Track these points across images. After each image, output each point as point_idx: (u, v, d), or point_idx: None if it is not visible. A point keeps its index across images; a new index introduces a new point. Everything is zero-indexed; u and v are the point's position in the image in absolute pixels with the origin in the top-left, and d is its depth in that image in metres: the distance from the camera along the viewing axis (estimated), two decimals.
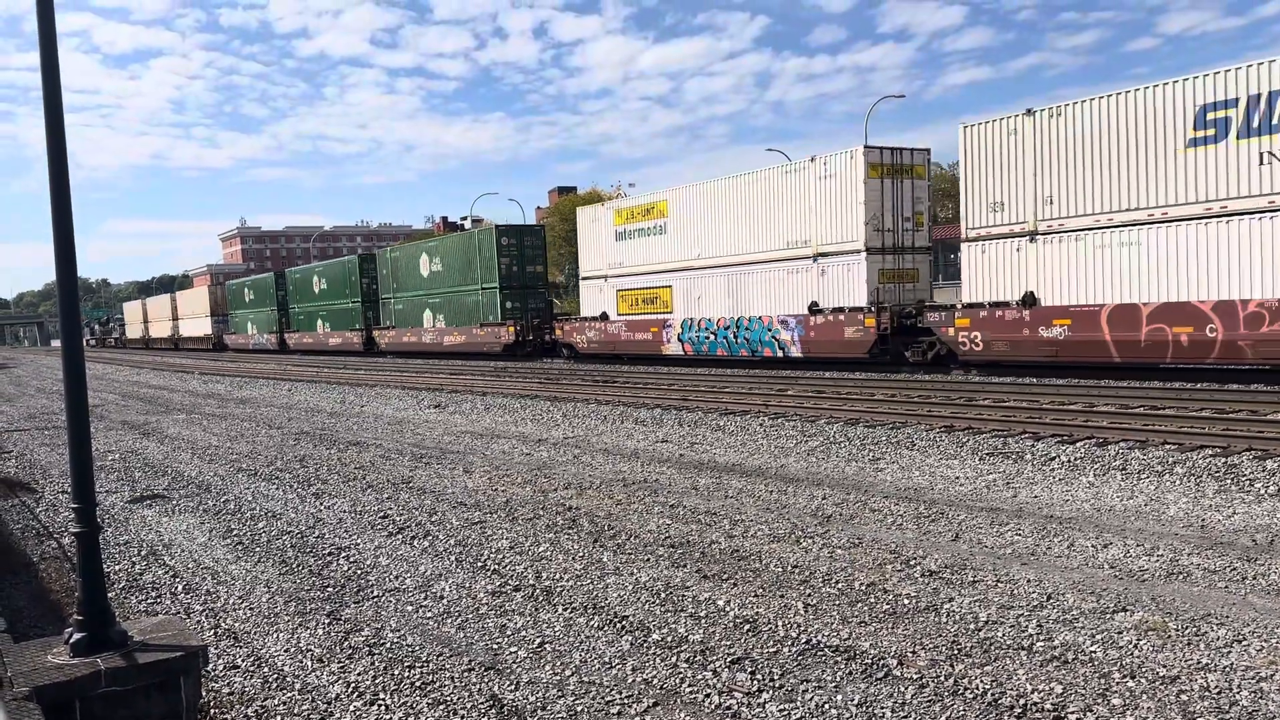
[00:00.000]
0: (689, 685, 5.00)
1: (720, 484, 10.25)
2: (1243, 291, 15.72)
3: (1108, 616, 5.65)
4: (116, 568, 8.00)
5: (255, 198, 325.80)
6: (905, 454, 11.67)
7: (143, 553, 8.54)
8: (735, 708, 4.70)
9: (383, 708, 4.94)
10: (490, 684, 5.16)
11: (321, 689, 5.24)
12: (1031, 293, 18.78)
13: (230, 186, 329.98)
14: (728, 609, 6.12)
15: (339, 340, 48.27)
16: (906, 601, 6.09)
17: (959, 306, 20.26)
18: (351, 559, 7.89)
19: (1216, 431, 11.40)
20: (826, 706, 4.66)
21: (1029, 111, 18.64)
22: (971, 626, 5.60)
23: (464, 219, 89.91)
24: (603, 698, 4.91)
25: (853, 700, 4.70)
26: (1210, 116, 15.95)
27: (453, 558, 7.76)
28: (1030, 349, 18.65)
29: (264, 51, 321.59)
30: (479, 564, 7.53)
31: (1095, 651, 5.13)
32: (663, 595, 6.49)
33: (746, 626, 5.80)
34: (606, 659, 5.43)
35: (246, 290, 61.39)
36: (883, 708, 4.61)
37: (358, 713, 4.91)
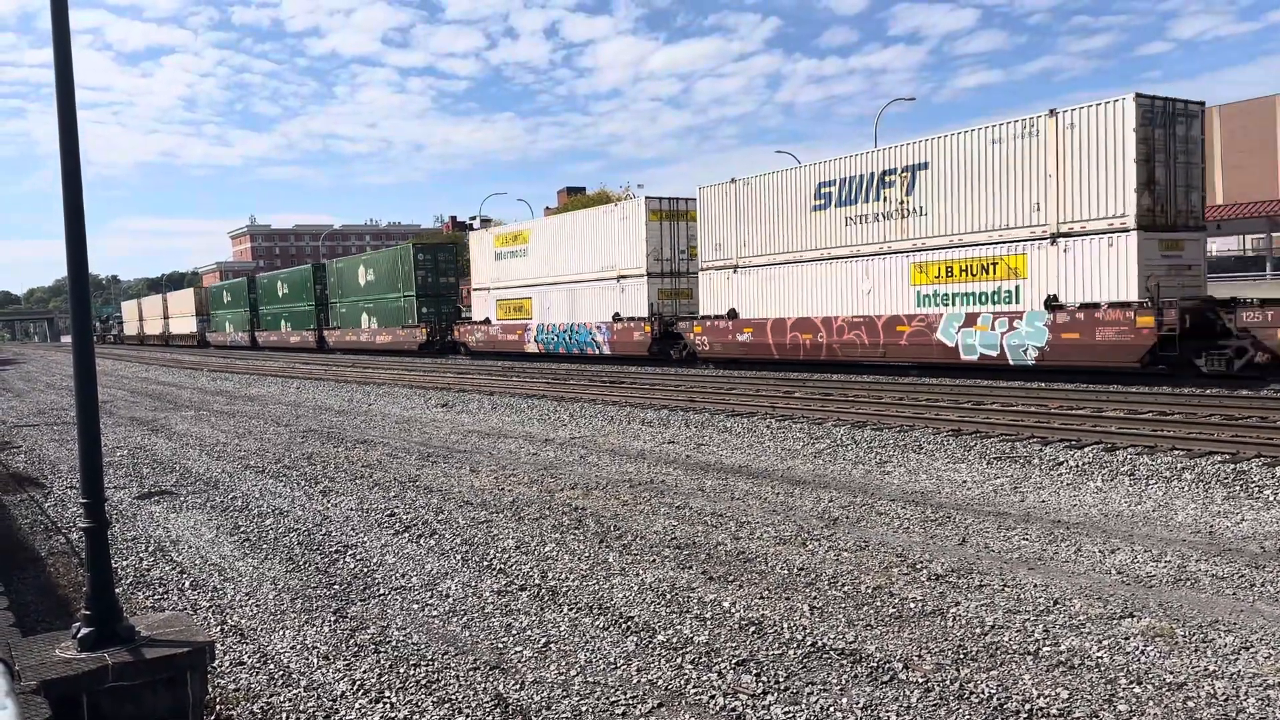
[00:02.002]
0: (694, 686, 5.00)
1: (727, 485, 10.25)
2: (835, 310, 23.29)
3: (1114, 622, 5.63)
4: (124, 563, 8.03)
5: (265, 196, 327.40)
6: (912, 457, 11.64)
7: (150, 549, 8.57)
8: (740, 709, 4.70)
9: (388, 705, 4.95)
10: (495, 683, 5.16)
11: (327, 686, 5.26)
12: (734, 309, 26.21)
13: (240, 184, 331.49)
14: (733, 610, 6.12)
15: (298, 339, 54.99)
16: (913, 605, 6.08)
17: (697, 318, 27.52)
18: (358, 557, 7.91)
19: (1225, 437, 11.35)
20: (831, 709, 4.65)
21: (733, 180, 26.10)
22: (978, 631, 5.59)
23: (472, 219, 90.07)
24: (607, 698, 4.91)
25: (858, 703, 4.69)
26: (823, 191, 23.46)
27: (459, 556, 7.77)
28: (733, 349, 26.07)
29: (275, 50, 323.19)
30: (485, 563, 7.54)
31: (1102, 657, 5.11)
32: (668, 596, 6.49)
33: (752, 628, 5.79)
34: (611, 659, 5.43)
35: (225, 293, 68.86)
36: (888, 711, 4.60)
37: (363, 710, 4.92)
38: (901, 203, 21.37)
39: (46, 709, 3.89)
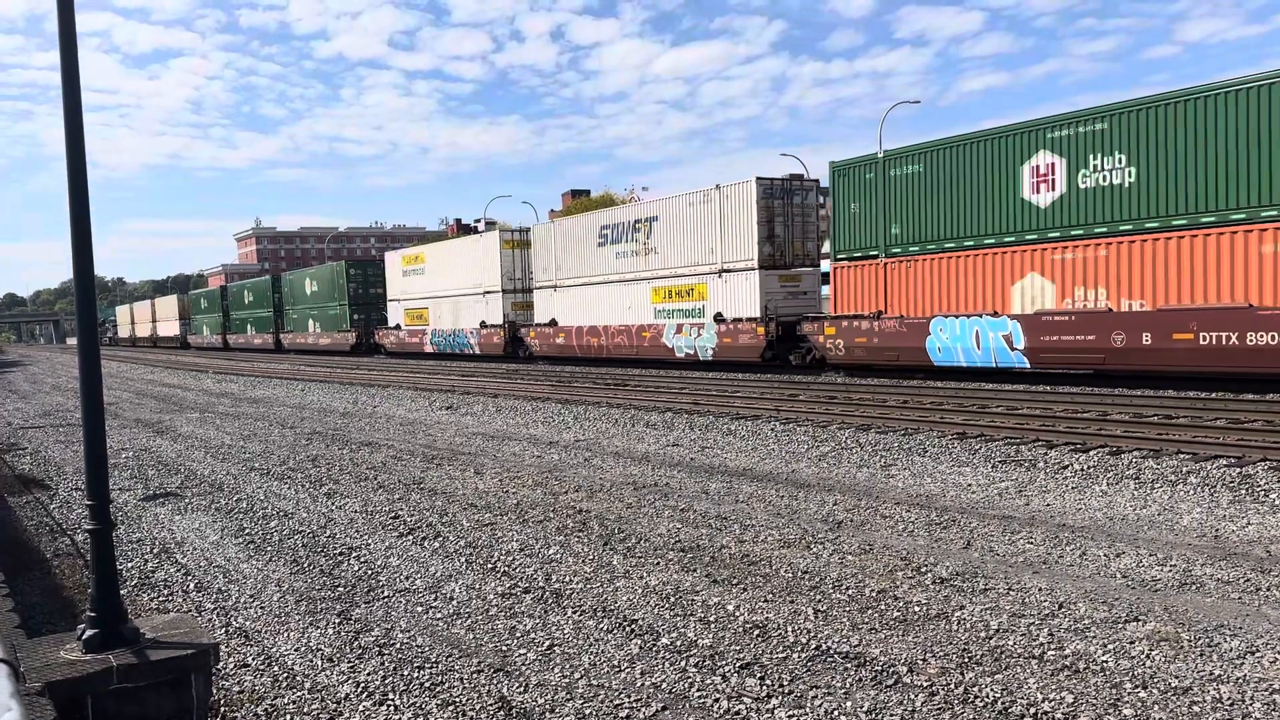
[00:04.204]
0: (698, 690, 5.00)
1: (731, 488, 10.24)
2: (610, 321, 31.54)
3: (1120, 626, 5.62)
4: (129, 565, 8.04)
5: (271, 198, 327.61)
6: (917, 460, 11.63)
7: (155, 550, 8.58)
8: (744, 713, 4.69)
9: (392, 708, 4.95)
10: (499, 686, 5.16)
11: (331, 688, 5.26)
12: (555, 319, 34.47)
13: (246, 187, 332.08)
14: (737, 614, 6.11)
15: (260, 340, 62.91)
16: (917, 609, 6.07)
17: (533, 325, 35.53)
18: (362, 559, 7.92)
19: (1231, 441, 11.32)
20: (836, 713, 4.64)
21: (553, 220, 35.09)
22: (982, 634, 5.58)
23: (478, 221, 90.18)
24: (611, 701, 4.91)
25: (862, 707, 4.69)
26: (603, 232, 32.00)
27: (463, 559, 7.77)
28: (554, 349, 34.08)
29: (282, 53, 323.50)
30: (489, 566, 7.54)
31: (1107, 661, 5.10)
32: (672, 599, 6.48)
33: (756, 631, 5.79)
34: (615, 662, 5.43)
35: (203, 299, 77.08)
36: (892, 715, 4.60)
37: (367, 713, 4.92)
38: (645, 244, 30.03)
39: (51, 711, 3.90)
